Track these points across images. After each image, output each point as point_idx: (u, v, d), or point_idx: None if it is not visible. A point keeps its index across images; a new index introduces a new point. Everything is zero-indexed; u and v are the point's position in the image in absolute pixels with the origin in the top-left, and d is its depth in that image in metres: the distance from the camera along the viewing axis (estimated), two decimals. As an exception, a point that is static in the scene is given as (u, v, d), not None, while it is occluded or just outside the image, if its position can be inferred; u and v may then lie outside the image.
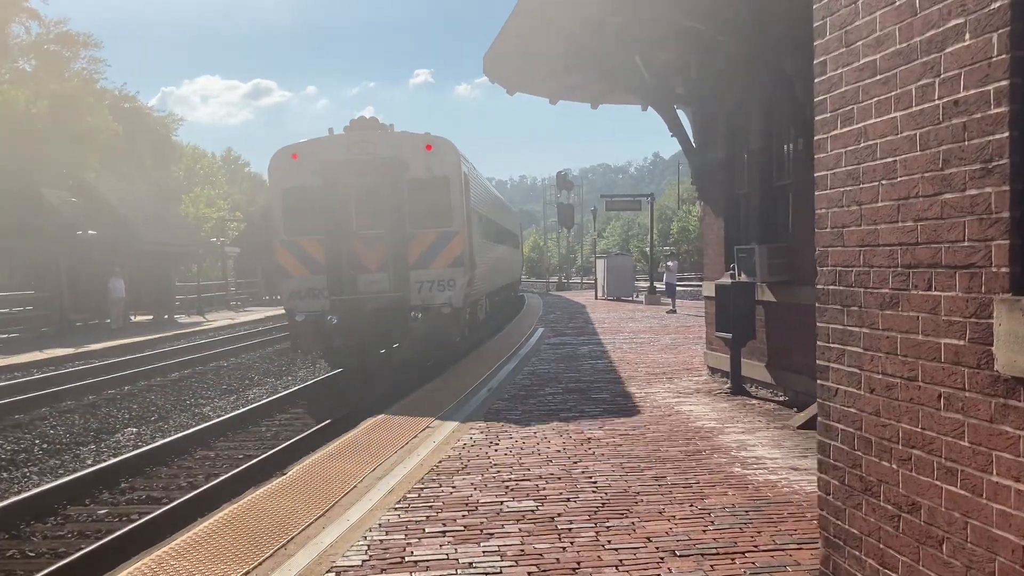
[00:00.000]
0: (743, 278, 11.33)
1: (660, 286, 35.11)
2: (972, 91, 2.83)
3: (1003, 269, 2.72)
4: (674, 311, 29.38)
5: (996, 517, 2.77)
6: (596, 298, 39.62)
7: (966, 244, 2.91)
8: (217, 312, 39.34)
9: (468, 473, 7.57)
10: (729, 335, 11.50)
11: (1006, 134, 2.65)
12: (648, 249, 55.57)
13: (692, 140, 13.36)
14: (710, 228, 13.26)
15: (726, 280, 11.63)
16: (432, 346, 16.53)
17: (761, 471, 7.46)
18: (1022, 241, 2.67)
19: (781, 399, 11.03)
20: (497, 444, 8.72)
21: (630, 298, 38.21)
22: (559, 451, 8.34)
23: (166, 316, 33.89)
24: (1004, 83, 2.66)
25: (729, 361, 12.08)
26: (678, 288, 34.51)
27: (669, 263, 35.53)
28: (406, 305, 15.94)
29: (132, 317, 32.44)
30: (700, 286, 54.21)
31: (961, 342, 2.96)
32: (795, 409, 10.27)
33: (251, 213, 65.76)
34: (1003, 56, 2.65)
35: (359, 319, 15.89)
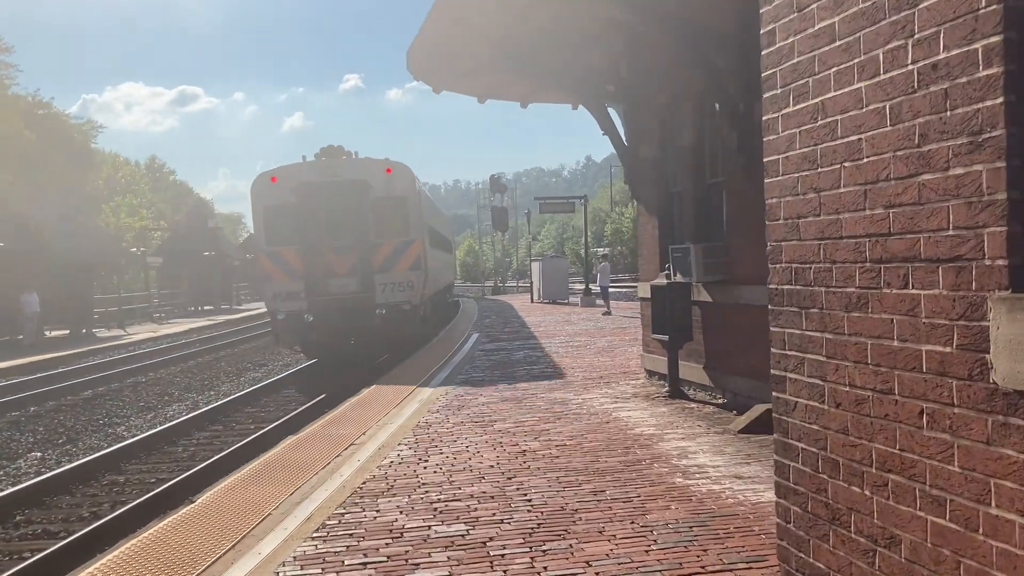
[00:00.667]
0: (679, 278, 11.03)
1: (595, 288, 34.89)
2: (954, 52, 2.43)
3: (999, 262, 2.30)
4: (609, 312, 29.22)
5: (996, 557, 2.36)
6: (532, 301, 39.32)
7: (951, 233, 2.50)
8: (139, 325, 37.84)
9: (394, 495, 7.04)
10: (666, 337, 11.19)
11: (1000, 100, 2.25)
12: (583, 251, 55.54)
13: (624, 138, 13.05)
14: (644, 228, 12.96)
15: (661, 281, 11.32)
16: (392, 338, 19.64)
17: (703, 480, 7.10)
18: (1023, 228, 2.26)
19: (720, 402, 10.75)
20: (426, 461, 8.20)
21: (565, 300, 37.99)
22: (492, 466, 7.86)
23: (84, 331, 32.42)
24: (996, 39, 2.25)
25: (666, 364, 11.77)
26: (612, 289, 34.43)
27: (602, 264, 35.40)
28: (372, 304, 19.02)
29: (47, 333, 30.94)
30: (635, 287, 54.47)
31: (948, 349, 2.54)
32: (735, 412, 9.98)
33: (176, 222, 63.87)
34: (994, 7, 2.24)
35: (332, 316, 18.88)
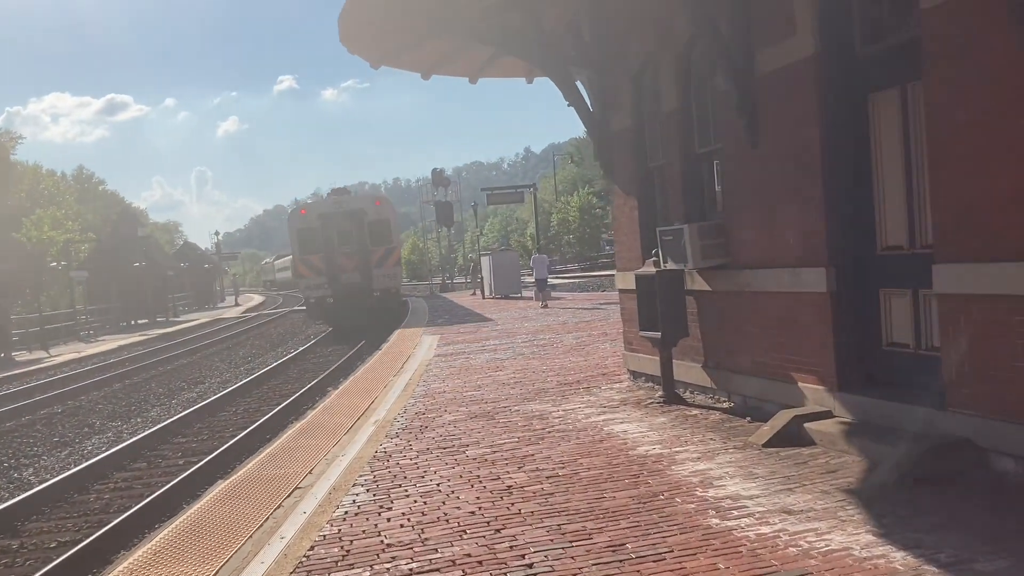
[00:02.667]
0: (670, 265, 9.52)
1: (552, 280, 33.45)
2: None
3: None
4: (546, 306, 28.14)
5: None
6: (483, 297, 37.70)
7: None
8: (64, 345, 35.25)
9: (352, 567, 5.38)
10: (657, 334, 9.67)
11: None
12: (530, 243, 54.09)
13: (592, 109, 11.49)
14: (621, 210, 11.43)
15: (649, 269, 9.79)
16: (385, 307, 29.77)
17: (746, 520, 5.57)
18: None
19: (725, 406, 9.27)
20: (389, 508, 6.55)
21: (519, 295, 36.45)
22: (473, 512, 6.24)
23: (2, 355, 29.86)
24: None
25: (655, 364, 10.26)
26: (561, 281, 33.26)
27: (536, 256, 33.95)
28: (371, 288, 29.68)
29: (-40, 359, 28.35)
30: (585, 278, 53.05)
31: None
32: (747, 418, 8.51)
33: (105, 233, 60.58)
34: None
35: (345, 298, 29.18)
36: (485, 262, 39.67)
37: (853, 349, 7.49)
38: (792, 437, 7.39)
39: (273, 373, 20.65)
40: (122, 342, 34.34)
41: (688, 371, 9.96)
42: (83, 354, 30.17)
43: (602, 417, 9.29)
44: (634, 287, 10.22)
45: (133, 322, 47.01)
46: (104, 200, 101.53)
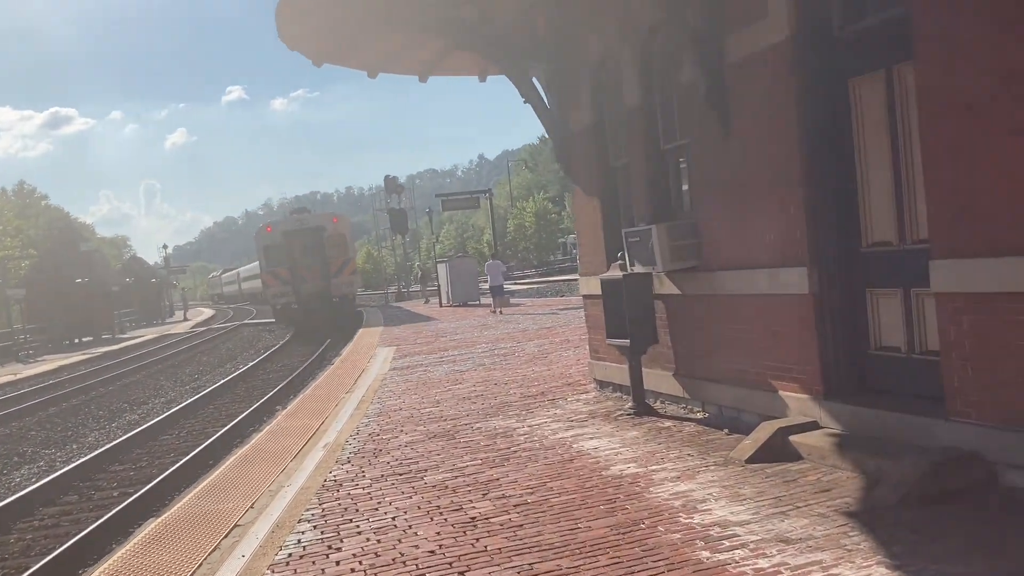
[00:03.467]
0: (637, 268, 8.94)
1: (510, 287, 32.87)
2: None
3: None
4: (498, 311, 28.05)
5: None
6: (441, 306, 36.94)
7: None
8: (0, 367, 33.71)
9: (293, 625, 4.67)
10: (626, 342, 9.08)
11: None
12: (487, 249, 53.43)
13: (550, 107, 10.88)
14: (583, 212, 10.83)
15: (615, 273, 9.20)
16: (342, 312, 33.30)
17: (740, 552, 4.97)
18: None
19: (699, 416, 8.70)
20: (339, 548, 5.84)
21: (477, 302, 35.77)
22: (433, 551, 5.56)
23: (-68, 379, 28.33)
24: None
25: (623, 373, 9.70)
26: (516, 287, 32.81)
27: (489, 263, 33.35)
28: (330, 294, 33.29)
29: None
30: (544, 283, 52.49)
31: None
32: (725, 430, 7.95)
33: (45, 249, 58.59)
34: None
35: (308, 303, 32.61)
36: (442, 269, 38.92)
37: (839, 354, 6.96)
38: (777, 451, 6.83)
39: (221, 391, 19.70)
40: (63, 362, 32.93)
41: (658, 380, 9.38)
42: (19, 376, 28.78)
43: (570, 433, 8.66)
44: (599, 292, 9.63)
45: (76, 340, 45.33)
46: (48, 215, 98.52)
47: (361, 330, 27.74)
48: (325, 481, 7.77)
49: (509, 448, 8.28)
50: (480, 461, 7.87)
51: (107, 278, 53.55)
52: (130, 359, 32.60)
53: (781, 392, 7.42)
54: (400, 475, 7.68)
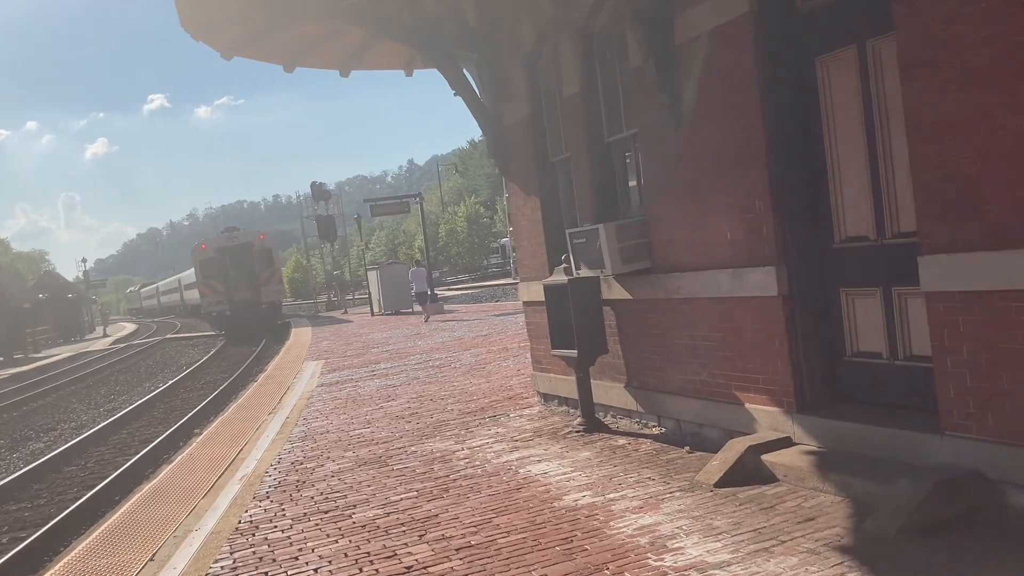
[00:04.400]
0: (584, 272, 8.18)
1: (444, 292, 31.95)
2: None
3: None
4: (427, 319, 27.80)
5: None
6: (372, 315, 35.79)
7: None
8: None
9: None
10: (573, 352, 8.31)
11: None
12: (419, 255, 52.38)
13: (483, 99, 10.07)
14: (521, 212, 10.04)
15: (559, 278, 8.43)
16: (269, 319, 37.10)
17: (725, 604, 4.22)
18: None
19: (656, 432, 7.98)
20: (250, 614, 4.92)
21: (410, 310, 34.75)
22: (362, 615, 4.68)
23: None
24: None
25: (570, 385, 8.96)
26: (450, 293, 32.03)
27: (414, 270, 32.57)
28: (260, 303, 36.90)
29: None
30: (478, 288, 51.59)
31: None
32: (686, 448, 7.23)
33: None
34: None
35: (239, 311, 36.14)
36: (372, 277, 37.79)
37: (812, 362, 6.30)
38: (749, 473, 6.12)
39: (136, 413, 18.33)
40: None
41: (609, 392, 8.64)
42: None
43: (516, 455, 7.84)
44: (542, 299, 8.85)
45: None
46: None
47: (288, 343, 26.53)
48: (240, 523, 6.80)
49: (448, 476, 7.42)
50: (416, 493, 7.00)
51: (19, 295, 50.83)
52: (41, 380, 30.64)
53: (748, 405, 6.74)
54: (325, 513, 6.76)
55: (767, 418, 6.53)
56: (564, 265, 8.46)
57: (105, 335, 68.99)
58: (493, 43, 9.84)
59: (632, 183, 8.24)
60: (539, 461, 7.52)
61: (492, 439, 8.66)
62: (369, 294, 38.35)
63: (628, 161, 8.25)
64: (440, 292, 44.88)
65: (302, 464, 8.64)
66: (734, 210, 6.58)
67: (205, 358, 29.73)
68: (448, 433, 9.22)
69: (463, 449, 8.37)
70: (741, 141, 6.41)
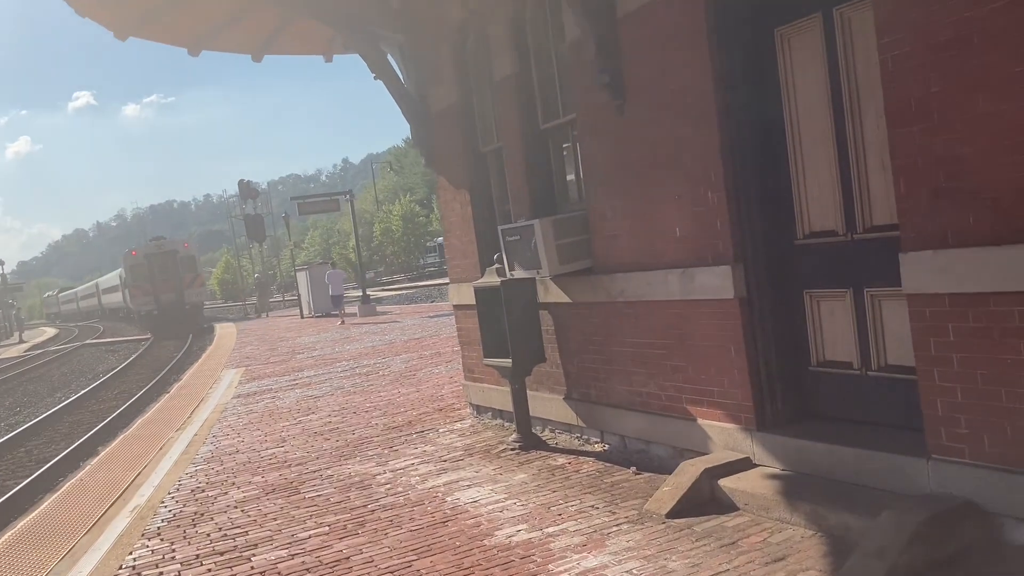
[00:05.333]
0: (518, 273, 7.38)
1: (378, 293, 30.96)
2: None
3: None
4: (342, 321, 27.67)
5: None
6: (302, 317, 34.51)
7: None
8: None
9: None
10: (507, 362, 7.51)
11: None
12: (353, 255, 51.04)
13: (407, 84, 9.21)
14: (450, 208, 9.19)
15: (491, 280, 7.62)
16: (193, 319, 41.15)
17: None
18: None
19: (599, 449, 7.22)
20: None
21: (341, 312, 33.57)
22: None
23: None
24: None
25: (504, 396, 8.18)
26: (379, 294, 31.11)
27: (329, 272, 31.64)
28: (183, 303, 41.01)
29: None
30: (413, 288, 50.45)
31: None
32: (632, 468, 6.48)
33: None
34: None
35: (164, 311, 40.14)
36: (302, 278, 36.46)
37: (774, 373, 5.60)
38: (704, 500, 5.41)
39: (38, 429, 16.96)
40: None
41: (547, 405, 7.86)
42: None
43: (444, 479, 7.00)
44: (473, 302, 8.03)
45: None
46: None
47: (209, 349, 25.21)
48: (120, 568, 5.84)
49: (366, 506, 6.54)
50: (328, 528, 6.11)
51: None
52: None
53: (701, 421, 6.02)
54: (221, 555, 5.83)
55: (723, 436, 5.82)
56: (497, 266, 7.65)
57: (22, 340, 66.01)
58: (418, 23, 8.98)
59: (571, 175, 7.47)
60: (469, 486, 6.69)
61: (418, 459, 7.80)
62: (299, 296, 36.98)
63: (566, 150, 7.47)
64: (374, 293, 43.75)
65: (203, 492, 7.66)
66: (684, 202, 5.85)
67: (123, 364, 28.19)
68: (370, 453, 8.33)
69: (385, 472, 7.49)
70: (691, 125, 5.68)
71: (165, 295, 41.36)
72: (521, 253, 7.19)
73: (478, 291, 7.83)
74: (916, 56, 4.18)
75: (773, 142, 5.47)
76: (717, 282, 5.65)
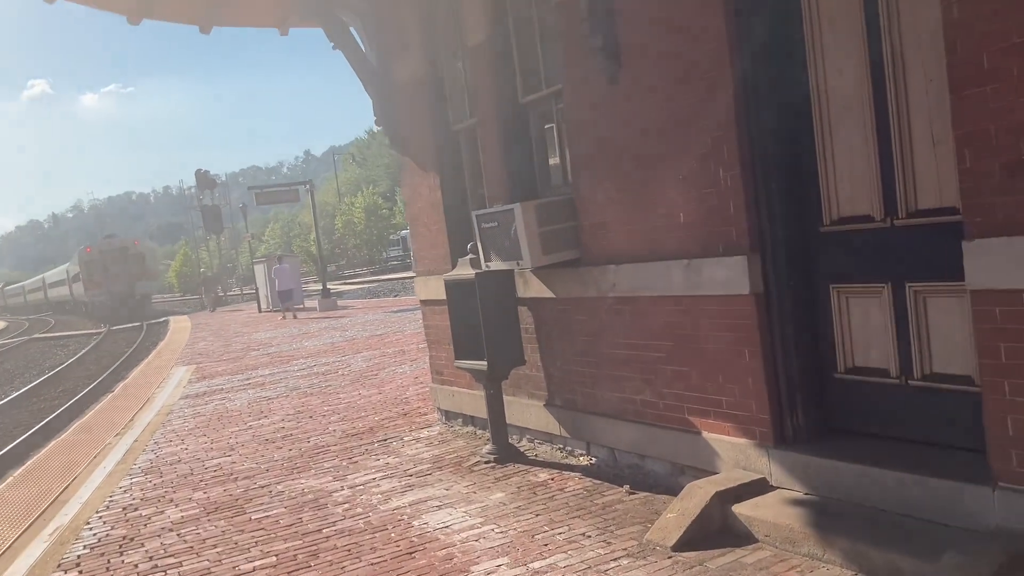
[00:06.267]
0: (496, 264, 6.55)
1: (340, 287, 30.00)
2: None
3: None
4: (289, 317, 27.05)
5: None
6: (260, 311, 33.36)
7: None
8: None
9: None
10: (482, 364, 6.69)
11: None
12: (314, 248, 49.83)
13: (367, 53, 8.33)
14: (417, 192, 8.33)
15: (464, 272, 6.79)
16: (144, 308, 46.20)
17: None
18: None
19: (585, 463, 6.43)
20: None
21: (301, 306, 32.49)
22: None
23: None
24: None
25: (477, 401, 7.40)
26: (340, 288, 30.05)
27: (278, 266, 30.68)
28: (133, 295, 46.77)
29: None
30: (376, 282, 49.30)
31: None
32: (625, 487, 5.71)
33: None
34: None
35: (116, 301, 45.30)
36: (260, 270, 35.26)
37: (795, 380, 4.84)
38: (717, 530, 4.64)
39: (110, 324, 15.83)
40: None
41: (526, 412, 7.06)
42: None
43: (410, 498, 6.16)
44: (443, 297, 7.20)
45: None
46: None
47: (161, 344, 24.07)
48: (27, 611, 4.93)
49: (320, 531, 5.69)
50: (275, 559, 5.25)
51: None
52: None
53: (706, 434, 5.25)
54: (147, 593, 4.95)
55: (733, 452, 5.06)
56: (470, 256, 6.82)
57: (-32, 334, 63.78)
58: (381, -13, 8.11)
59: (555, 154, 6.66)
60: (439, 507, 5.87)
61: (381, 473, 6.96)
62: (256, 289, 35.76)
63: (550, 126, 6.65)
64: (336, 287, 42.61)
65: (136, 511, 6.75)
66: (691, 183, 5.07)
67: (72, 360, 26.93)
68: (326, 465, 7.46)
69: (343, 489, 6.63)
70: (701, 92, 4.90)
71: (117, 287, 46.84)
72: (499, 242, 6.37)
73: (449, 285, 7.00)
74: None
75: (796, 111, 4.71)
76: (729, 275, 4.88)
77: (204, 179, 44.43)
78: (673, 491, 5.25)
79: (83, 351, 29.39)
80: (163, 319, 39.61)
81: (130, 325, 39.64)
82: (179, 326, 30.84)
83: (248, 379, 13.70)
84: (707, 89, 4.85)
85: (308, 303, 32.47)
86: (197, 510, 6.56)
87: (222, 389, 12.94)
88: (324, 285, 30.96)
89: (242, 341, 21.17)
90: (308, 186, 32.10)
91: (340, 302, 31.37)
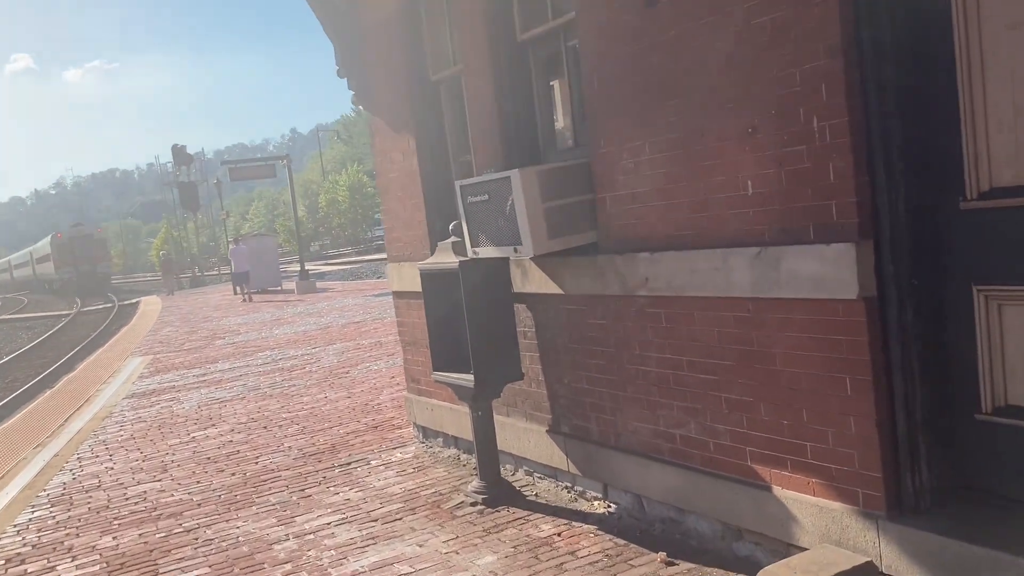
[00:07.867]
0: (486, 251, 5.02)
1: (319, 268, 28.48)
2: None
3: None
4: (249, 300, 26.69)
5: None
6: (235, 294, 31.70)
7: None
8: None
9: None
10: (468, 379, 5.18)
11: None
12: (294, 227, 48.06)
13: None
14: (388, 158, 6.77)
15: (446, 259, 5.27)
16: (105, 286, 53.94)
17: None
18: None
19: (600, 510, 4.95)
20: None
21: (278, 288, 30.89)
22: None
23: None
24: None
25: (461, 420, 5.92)
26: (322, 269, 28.61)
27: (234, 247, 29.17)
28: (95, 274, 55.05)
29: None
30: (360, 263, 47.59)
31: None
32: (661, 554, 4.22)
33: None
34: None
35: (86, 280, 53.49)
36: (235, 251, 33.52)
37: (918, 423, 3.36)
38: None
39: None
40: None
41: (522, 437, 5.56)
42: None
43: (370, 558, 4.67)
44: (420, 289, 5.68)
45: None
46: None
47: (125, 328, 22.47)
48: None
49: (247, 612, 4.19)
50: (176, 663, 3.75)
51: None
52: None
53: (781, 491, 3.77)
54: None
55: (822, 520, 3.58)
56: (453, 239, 5.30)
57: (-63, 314, 62.03)
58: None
59: (564, 107, 5.12)
60: (409, 573, 4.38)
61: (338, 515, 5.45)
62: (231, 270, 34.05)
63: (557, 70, 5.11)
64: (318, 267, 40.95)
65: (20, 564, 5.24)
66: (767, 137, 3.56)
67: (31, 345, 25.28)
68: (272, 499, 5.95)
69: (287, 539, 5.13)
70: (787, 6, 3.38)
71: (82, 266, 55.05)
72: (490, 221, 4.84)
73: (425, 276, 5.47)
74: None
75: (929, 38, 3.20)
76: (825, 271, 3.38)
77: (181, 154, 42.54)
78: (727, 563, 3.85)
79: (46, 334, 27.76)
80: (136, 300, 37.92)
81: (102, 306, 37.96)
82: (148, 309, 29.17)
83: (204, 374, 12.13)
84: (797, 4, 3.33)
85: (286, 285, 30.84)
86: (98, 567, 5.06)
87: (173, 386, 11.38)
88: (303, 266, 29.28)
89: (209, 328, 19.56)
90: (285, 161, 30.36)
91: (320, 284, 29.76)
